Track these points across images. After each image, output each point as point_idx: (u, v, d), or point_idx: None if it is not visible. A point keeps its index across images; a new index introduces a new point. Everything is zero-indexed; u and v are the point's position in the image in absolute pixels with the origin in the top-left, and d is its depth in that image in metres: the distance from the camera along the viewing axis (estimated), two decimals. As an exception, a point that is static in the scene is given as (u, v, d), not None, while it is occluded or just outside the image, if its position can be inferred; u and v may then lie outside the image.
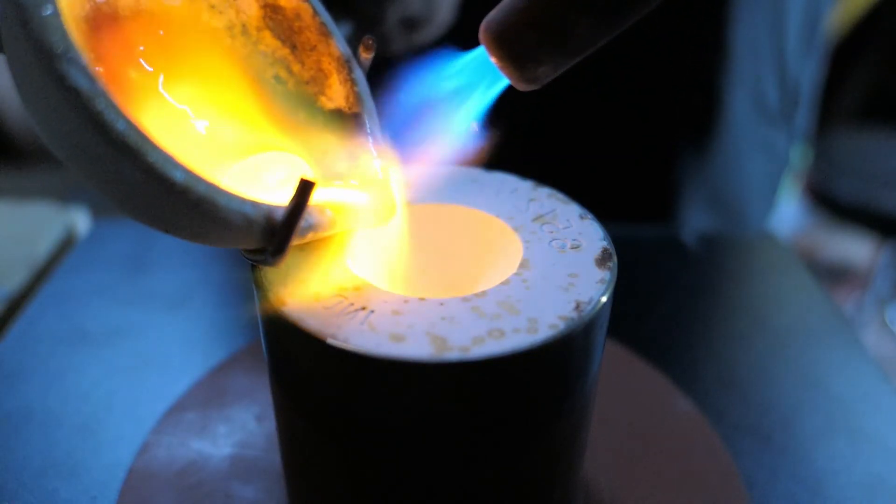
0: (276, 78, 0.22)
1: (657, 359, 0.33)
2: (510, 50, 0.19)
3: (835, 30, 1.11)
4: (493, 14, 0.19)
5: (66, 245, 0.44)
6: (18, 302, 0.38)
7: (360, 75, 0.22)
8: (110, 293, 0.38)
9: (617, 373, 0.32)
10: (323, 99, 0.22)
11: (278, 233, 0.18)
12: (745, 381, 0.33)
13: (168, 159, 0.16)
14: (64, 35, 0.15)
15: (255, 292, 0.20)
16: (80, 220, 0.46)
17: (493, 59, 0.19)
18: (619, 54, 0.38)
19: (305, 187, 0.17)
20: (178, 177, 0.16)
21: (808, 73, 0.53)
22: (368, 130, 0.21)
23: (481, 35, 0.19)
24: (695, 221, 0.51)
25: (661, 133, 0.49)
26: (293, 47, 0.22)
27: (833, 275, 1.36)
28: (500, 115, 0.22)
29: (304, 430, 0.21)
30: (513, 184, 0.25)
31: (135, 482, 0.26)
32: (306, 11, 0.21)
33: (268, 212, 0.17)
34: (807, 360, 0.35)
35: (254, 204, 0.17)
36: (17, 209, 0.45)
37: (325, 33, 0.22)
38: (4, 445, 0.28)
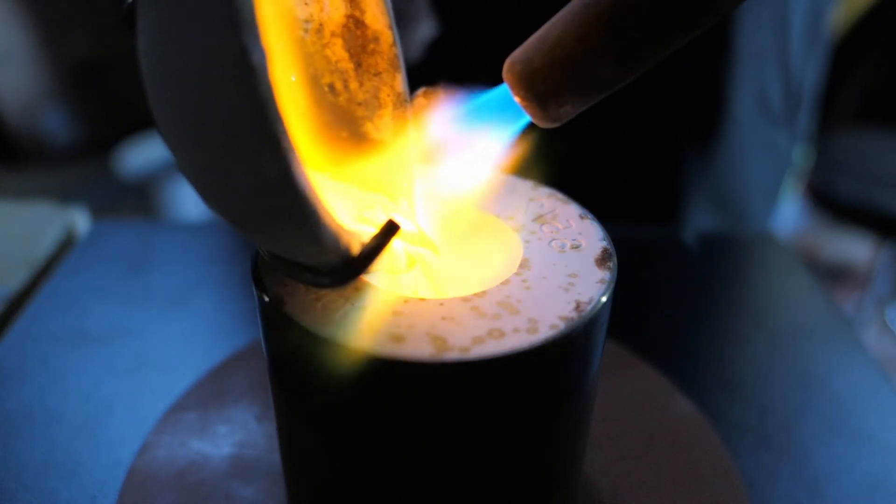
0: (331, 87, 0.22)
1: (657, 359, 0.33)
2: (534, 90, 0.19)
3: (835, 30, 1.11)
4: (518, 53, 0.19)
5: (66, 245, 0.44)
6: (18, 302, 0.38)
7: (412, 118, 0.21)
8: (110, 293, 0.38)
9: (617, 373, 0.32)
10: (370, 126, 0.22)
11: (354, 265, 0.17)
12: (745, 381, 0.33)
13: (300, 164, 0.15)
14: (251, 2, 0.13)
15: (255, 292, 0.20)
16: (80, 220, 0.46)
17: (516, 98, 0.19)
18: None
19: (391, 229, 0.17)
20: (302, 184, 0.15)
21: (810, 74, 0.53)
22: (407, 176, 0.21)
23: (505, 74, 0.19)
24: (698, 221, 0.51)
25: (665, 133, 0.49)
26: (358, 65, 0.21)
27: (833, 275, 1.36)
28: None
29: (303, 430, 0.21)
30: (513, 184, 0.25)
31: (135, 482, 0.26)
32: (386, 40, 0.21)
33: (350, 240, 0.17)
34: (807, 361, 0.35)
35: (345, 229, 0.17)
36: (17, 209, 0.45)
37: (396, 66, 0.21)
38: (4, 445, 0.28)
